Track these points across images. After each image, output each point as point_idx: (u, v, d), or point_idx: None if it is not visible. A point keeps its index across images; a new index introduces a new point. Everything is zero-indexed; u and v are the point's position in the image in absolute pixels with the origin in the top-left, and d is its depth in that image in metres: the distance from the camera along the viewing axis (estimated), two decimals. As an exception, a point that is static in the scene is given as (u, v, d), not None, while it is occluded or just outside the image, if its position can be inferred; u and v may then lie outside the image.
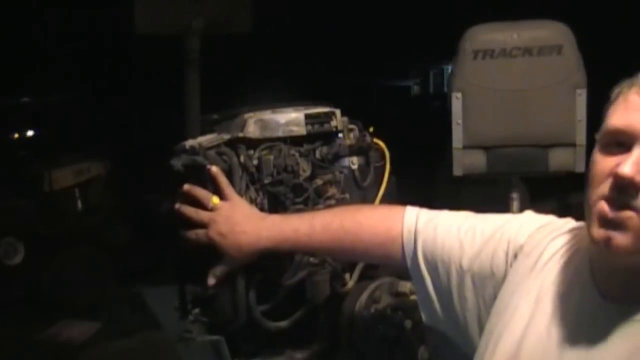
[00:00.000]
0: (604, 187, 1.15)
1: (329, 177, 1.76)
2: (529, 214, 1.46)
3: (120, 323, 5.85)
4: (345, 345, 1.82)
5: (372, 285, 1.82)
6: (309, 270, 1.72)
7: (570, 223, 1.40)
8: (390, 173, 1.90)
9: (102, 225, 6.98)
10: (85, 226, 6.88)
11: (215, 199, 1.62)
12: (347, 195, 1.79)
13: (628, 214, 1.13)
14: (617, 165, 1.13)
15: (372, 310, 1.79)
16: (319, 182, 1.74)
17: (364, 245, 1.55)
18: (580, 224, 1.34)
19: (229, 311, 1.67)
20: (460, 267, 1.43)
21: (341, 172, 1.79)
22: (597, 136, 1.21)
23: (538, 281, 1.31)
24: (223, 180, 1.62)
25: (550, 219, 1.43)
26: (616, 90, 1.20)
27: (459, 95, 2.69)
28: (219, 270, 1.62)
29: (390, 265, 1.70)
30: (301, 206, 1.72)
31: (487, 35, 2.72)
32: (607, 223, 1.14)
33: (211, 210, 1.61)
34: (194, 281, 1.70)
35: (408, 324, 1.71)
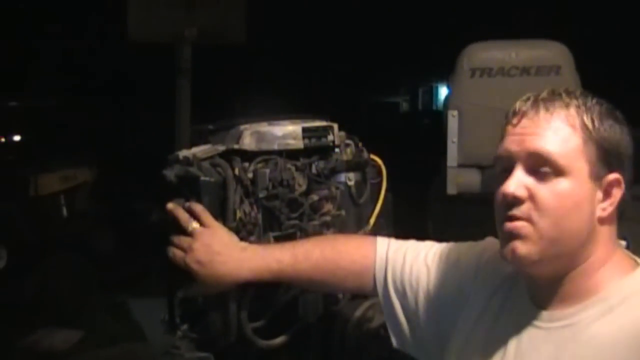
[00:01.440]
0: (500, 210, 1.31)
1: (325, 192, 1.73)
2: (490, 239, 1.55)
3: (103, 332, 5.79)
4: (337, 365, 1.79)
5: (365, 304, 1.79)
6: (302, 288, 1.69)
7: None
8: (387, 190, 1.87)
9: (87, 232, 6.93)
10: (70, 233, 6.82)
11: (195, 224, 1.59)
12: (342, 212, 1.77)
13: (520, 223, 1.28)
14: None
15: (365, 329, 1.77)
16: (314, 197, 1.71)
17: (344, 273, 1.62)
18: None
19: (219, 328, 1.63)
20: (428, 292, 1.55)
21: (337, 188, 1.76)
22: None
23: (495, 299, 1.44)
24: (199, 209, 1.59)
25: None
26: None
27: (455, 113, 2.67)
28: (192, 293, 1.63)
29: (362, 294, 1.74)
30: (296, 221, 1.68)
31: (485, 54, 2.70)
32: (508, 237, 1.30)
33: (190, 234, 1.59)
34: (185, 295, 1.67)
35: (401, 344, 1.68)
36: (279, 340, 1.70)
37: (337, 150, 1.78)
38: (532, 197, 1.28)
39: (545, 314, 1.34)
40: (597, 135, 1.29)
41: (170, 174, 1.64)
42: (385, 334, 1.73)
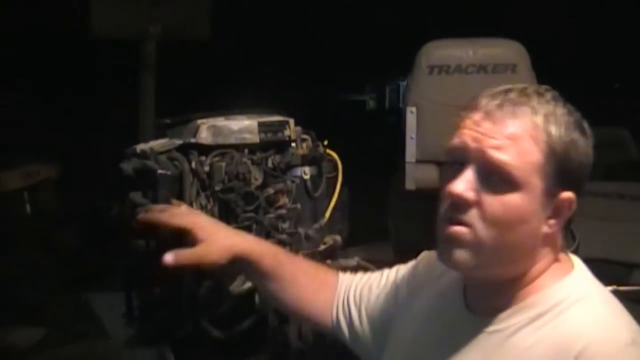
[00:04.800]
0: (445, 208, 1.22)
1: (280, 186, 1.76)
2: (424, 253, 1.51)
3: (66, 329, 5.74)
4: (294, 355, 1.82)
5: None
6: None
7: None
8: (343, 184, 1.90)
9: (50, 230, 6.86)
10: (33, 230, 6.75)
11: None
12: (298, 205, 1.80)
13: (462, 229, 1.20)
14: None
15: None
16: (270, 191, 1.74)
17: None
18: None
19: (175, 319, 1.65)
20: (368, 304, 1.52)
21: (293, 182, 1.79)
22: None
23: (431, 300, 1.40)
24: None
25: None
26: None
27: (414, 109, 2.70)
28: (183, 257, 1.42)
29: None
30: (252, 214, 1.71)
31: (442, 51, 2.73)
32: (447, 241, 1.22)
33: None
34: (142, 287, 1.68)
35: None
36: (235, 330, 1.72)
37: (293, 144, 1.81)
38: (479, 204, 1.19)
39: (477, 319, 1.28)
40: (561, 152, 1.19)
41: (127, 167, 1.65)
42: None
